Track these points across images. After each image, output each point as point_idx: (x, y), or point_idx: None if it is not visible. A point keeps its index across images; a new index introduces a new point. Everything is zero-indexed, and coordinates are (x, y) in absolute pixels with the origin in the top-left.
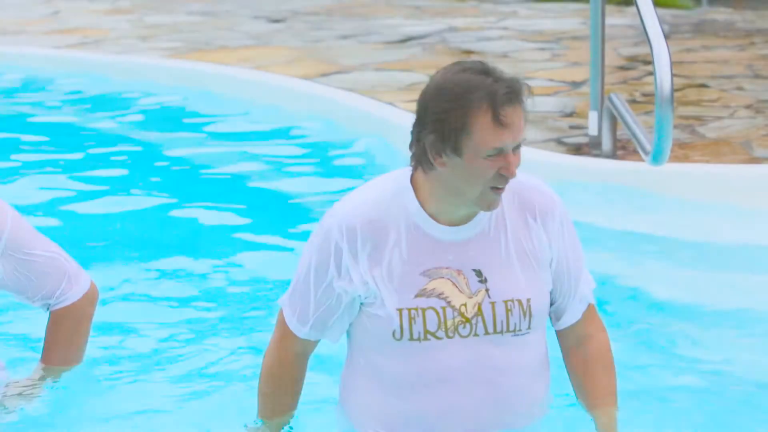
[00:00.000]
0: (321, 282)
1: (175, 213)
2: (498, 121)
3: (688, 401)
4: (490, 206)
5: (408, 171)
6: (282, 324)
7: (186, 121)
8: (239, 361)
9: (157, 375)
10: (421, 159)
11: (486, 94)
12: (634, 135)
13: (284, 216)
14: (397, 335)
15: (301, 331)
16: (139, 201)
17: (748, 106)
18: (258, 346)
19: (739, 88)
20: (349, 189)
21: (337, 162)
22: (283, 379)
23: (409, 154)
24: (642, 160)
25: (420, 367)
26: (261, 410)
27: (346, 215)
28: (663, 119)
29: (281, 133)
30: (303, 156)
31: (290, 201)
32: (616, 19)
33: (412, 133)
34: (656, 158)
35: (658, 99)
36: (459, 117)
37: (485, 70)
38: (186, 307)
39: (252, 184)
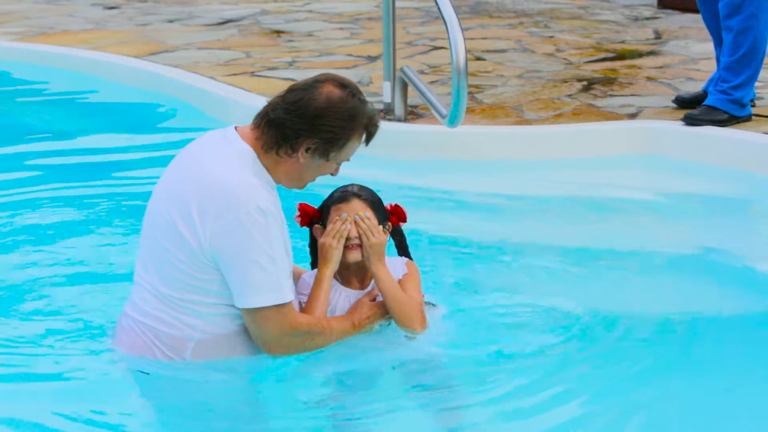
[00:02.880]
0: (284, 246)
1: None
2: (362, 144)
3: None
4: (300, 188)
5: (248, 149)
6: (277, 311)
7: (31, 95)
8: None
9: None
10: (284, 146)
11: (365, 124)
12: (429, 102)
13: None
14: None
15: (292, 293)
16: None
17: (518, 76)
18: None
19: (510, 61)
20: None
21: (161, 126)
22: (317, 323)
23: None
24: (431, 123)
25: None
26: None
27: (261, 194)
28: (460, 88)
29: (115, 104)
30: (133, 122)
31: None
32: (406, 2)
33: (283, 122)
34: (453, 122)
35: (454, 70)
36: (344, 136)
37: (363, 99)
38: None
39: (86, 148)
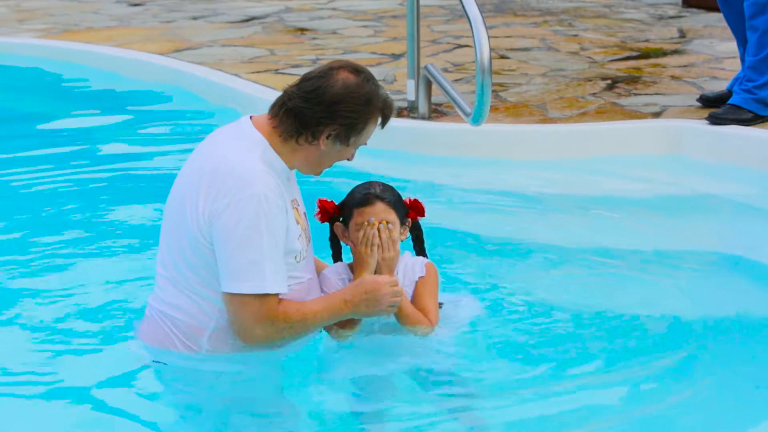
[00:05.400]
0: (280, 235)
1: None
2: (378, 129)
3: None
4: (318, 174)
5: (259, 138)
6: (256, 299)
7: (56, 92)
8: None
9: None
10: (304, 134)
11: (381, 108)
12: (453, 100)
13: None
14: (299, 258)
15: (283, 286)
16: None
17: (542, 74)
18: None
19: (535, 59)
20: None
21: (185, 123)
22: (298, 310)
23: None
24: (455, 121)
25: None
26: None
27: (261, 181)
28: (484, 86)
29: (139, 101)
30: (157, 119)
31: (145, 158)
32: (430, 0)
33: (302, 110)
34: (477, 120)
35: (479, 69)
36: (363, 120)
37: (377, 83)
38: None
39: (114, 146)
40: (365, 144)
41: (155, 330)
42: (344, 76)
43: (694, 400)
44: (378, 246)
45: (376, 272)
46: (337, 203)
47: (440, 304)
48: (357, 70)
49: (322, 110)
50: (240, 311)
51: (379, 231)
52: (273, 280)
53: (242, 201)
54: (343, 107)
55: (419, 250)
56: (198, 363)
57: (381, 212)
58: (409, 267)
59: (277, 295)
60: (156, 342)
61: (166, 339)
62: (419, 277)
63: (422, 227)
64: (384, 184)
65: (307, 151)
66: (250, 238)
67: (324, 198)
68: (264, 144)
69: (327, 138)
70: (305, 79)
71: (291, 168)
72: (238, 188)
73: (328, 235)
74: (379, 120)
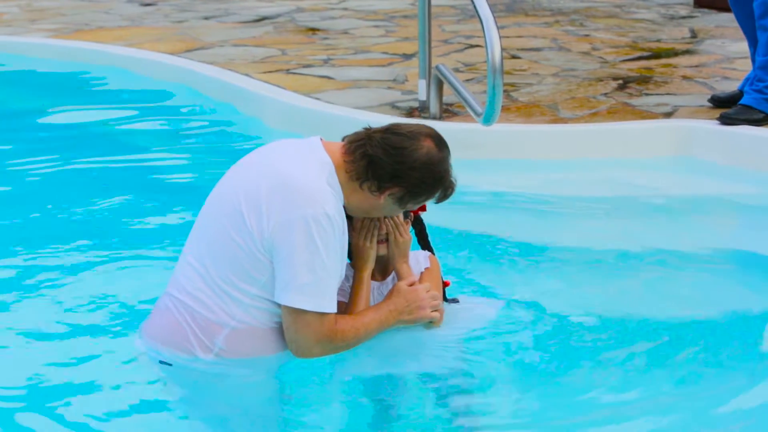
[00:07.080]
0: (340, 256)
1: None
2: (431, 201)
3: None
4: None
5: (329, 162)
6: (317, 318)
7: (67, 92)
8: None
9: None
10: (371, 182)
11: (445, 187)
12: (464, 100)
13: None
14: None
15: (334, 305)
16: (21, 164)
17: (554, 74)
18: None
19: (546, 59)
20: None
21: (197, 123)
22: (352, 326)
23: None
24: (466, 121)
25: None
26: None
27: (331, 202)
28: (495, 86)
29: (150, 101)
30: (167, 120)
31: (157, 158)
32: (441, 0)
33: (379, 161)
34: (488, 120)
35: (490, 69)
36: (426, 194)
37: (450, 163)
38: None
39: (126, 146)
40: (414, 209)
41: (169, 321)
42: (429, 146)
43: (707, 403)
44: (384, 238)
45: (390, 262)
46: None
47: (455, 300)
48: (442, 144)
49: (398, 170)
50: (301, 329)
51: (380, 222)
52: (331, 299)
53: (313, 218)
54: (417, 174)
55: (424, 244)
56: (204, 365)
57: None
58: (413, 259)
59: (334, 313)
60: (166, 335)
61: (178, 331)
62: (425, 268)
63: (424, 221)
64: None
65: (365, 198)
66: (317, 255)
67: None
68: (332, 169)
69: (389, 195)
70: (393, 131)
71: (345, 203)
72: (308, 204)
73: None
74: (437, 196)
